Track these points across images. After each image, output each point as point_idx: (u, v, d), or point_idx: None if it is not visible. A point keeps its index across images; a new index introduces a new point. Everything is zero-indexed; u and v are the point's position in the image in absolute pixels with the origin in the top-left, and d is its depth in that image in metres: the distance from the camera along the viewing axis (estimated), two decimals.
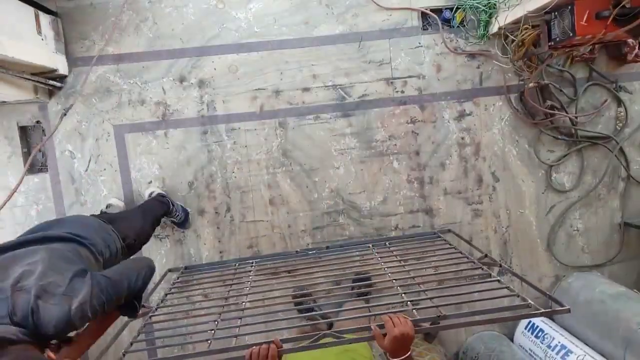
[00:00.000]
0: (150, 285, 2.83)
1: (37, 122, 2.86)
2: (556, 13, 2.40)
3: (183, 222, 2.88)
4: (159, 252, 2.94)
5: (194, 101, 2.91)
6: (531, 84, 2.92)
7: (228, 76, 2.92)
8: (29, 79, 2.53)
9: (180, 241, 2.95)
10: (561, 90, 3.03)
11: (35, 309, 1.31)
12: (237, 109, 2.93)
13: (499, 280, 2.08)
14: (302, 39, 2.93)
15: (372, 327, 1.63)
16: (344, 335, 1.68)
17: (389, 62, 2.98)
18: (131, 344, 1.86)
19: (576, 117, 3.04)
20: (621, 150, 3.12)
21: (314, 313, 2.44)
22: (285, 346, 1.67)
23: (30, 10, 2.51)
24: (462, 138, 3.04)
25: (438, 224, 3.06)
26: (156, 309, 2.23)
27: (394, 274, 2.26)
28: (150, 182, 2.89)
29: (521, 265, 3.13)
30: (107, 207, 2.78)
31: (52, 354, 1.38)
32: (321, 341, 1.67)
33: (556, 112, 2.95)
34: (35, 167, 2.91)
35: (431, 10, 2.96)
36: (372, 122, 2.99)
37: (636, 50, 2.91)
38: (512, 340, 3.05)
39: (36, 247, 1.56)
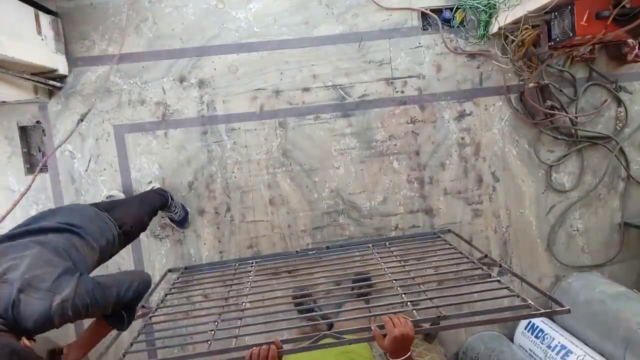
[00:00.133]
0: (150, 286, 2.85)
1: (37, 122, 2.86)
2: (556, 13, 2.40)
3: (182, 221, 2.87)
4: (159, 252, 2.94)
5: (194, 101, 2.91)
6: (531, 84, 2.92)
7: (228, 76, 2.92)
8: (29, 79, 2.52)
9: (180, 241, 2.95)
10: (561, 90, 3.03)
11: (16, 301, 1.31)
12: (237, 109, 2.93)
13: (499, 281, 2.08)
14: (302, 39, 2.93)
15: (372, 327, 1.63)
16: (344, 336, 1.68)
17: (389, 62, 2.98)
18: (131, 344, 1.87)
19: (576, 117, 3.04)
20: (621, 150, 3.12)
21: (314, 314, 2.44)
22: (286, 347, 1.67)
23: (30, 10, 2.51)
24: (462, 138, 3.04)
25: (438, 224, 3.06)
26: (156, 310, 2.23)
27: (394, 274, 2.26)
28: (150, 182, 2.89)
29: (521, 265, 3.13)
30: (107, 199, 2.78)
31: (27, 342, 1.38)
32: (321, 342, 1.67)
33: (556, 112, 2.95)
34: (35, 167, 2.91)
35: (431, 10, 2.96)
36: (372, 122, 2.99)
37: (636, 50, 2.91)
38: (512, 340, 3.05)
39: (28, 239, 1.56)
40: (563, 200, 3.13)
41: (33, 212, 2.86)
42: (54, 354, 1.75)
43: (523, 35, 2.75)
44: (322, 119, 2.97)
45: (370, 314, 2.02)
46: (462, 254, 2.48)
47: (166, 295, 2.44)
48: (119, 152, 2.90)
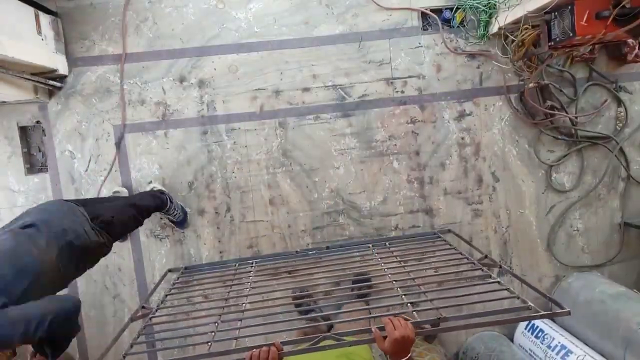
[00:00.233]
0: (150, 286, 2.86)
1: (37, 122, 2.86)
2: (556, 13, 2.40)
3: (181, 222, 2.88)
4: (159, 252, 2.94)
5: (194, 101, 2.91)
6: (531, 84, 2.92)
7: (228, 76, 2.92)
8: (29, 79, 2.52)
9: (180, 241, 2.95)
10: (561, 90, 3.02)
11: None
12: (237, 109, 2.93)
13: (499, 282, 2.08)
14: (302, 39, 2.93)
15: (372, 329, 1.63)
16: (344, 338, 1.68)
17: (389, 62, 2.97)
18: (131, 345, 1.86)
19: (576, 117, 3.03)
20: (621, 150, 3.12)
21: (315, 315, 2.44)
22: (286, 348, 1.67)
23: (30, 10, 2.51)
24: (462, 138, 3.04)
25: (438, 224, 3.07)
26: (156, 310, 2.23)
27: (394, 275, 2.26)
28: (150, 182, 2.89)
29: (521, 265, 3.13)
30: (113, 194, 2.81)
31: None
32: (322, 344, 1.67)
33: (556, 112, 2.95)
34: (35, 167, 2.91)
35: (431, 10, 2.95)
36: (372, 122, 2.99)
37: (636, 50, 2.91)
38: (512, 340, 3.05)
39: None
40: (563, 200, 3.13)
41: None
42: None
43: (523, 35, 2.75)
44: (322, 119, 2.97)
45: (371, 315, 2.02)
46: (462, 254, 2.48)
47: (166, 295, 2.43)
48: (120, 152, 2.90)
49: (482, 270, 2.25)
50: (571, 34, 2.29)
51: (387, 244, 2.84)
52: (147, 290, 2.90)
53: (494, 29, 2.87)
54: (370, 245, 2.84)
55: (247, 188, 2.97)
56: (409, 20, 2.97)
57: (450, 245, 2.68)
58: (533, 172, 3.09)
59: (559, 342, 2.71)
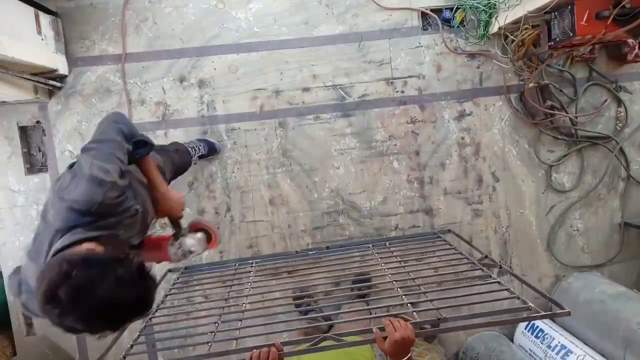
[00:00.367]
0: None
1: (37, 122, 2.86)
2: (556, 13, 2.40)
3: (209, 153, 2.85)
4: None
5: (194, 101, 2.91)
6: (531, 84, 2.92)
7: (228, 76, 2.92)
8: (29, 79, 2.52)
9: None
10: (561, 90, 3.03)
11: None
12: (237, 109, 2.93)
13: (499, 282, 2.08)
14: (302, 39, 2.93)
15: (374, 329, 1.63)
16: (344, 338, 1.68)
17: (389, 62, 2.97)
18: (131, 346, 1.86)
19: (576, 117, 3.04)
20: (621, 150, 3.12)
21: (316, 315, 2.44)
22: (286, 349, 1.67)
23: (30, 10, 2.51)
24: (462, 138, 3.04)
25: (438, 224, 3.07)
26: (156, 310, 2.22)
27: (393, 275, 2.25)
28: None
29: (521, 265, 3.13)
30: None
31: (91, 245, 1.24)
32: (322, 344, 1.67)
33: (556, 112, 2.95)
34: (35, 167, 2.91)
35: (431, 10, 2.95)
36: (372, 122, 2.99)
37: (636, 50, 2.91)
38: (512, 340, 3.06)
39: None
40: (563, 200, 3.13)
41: (33, 212, 2.87)
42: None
43: (523, 35, 2.75)
44: (322, 119, 2.97)
45: (372, 315, 2.02)
46: (462, 254, 2.48)
47: (166, 295, 2.43)
48: None
49: (482, 270, 2.25)
50: (571, 34, 2.29)
51: (387, 244, 2.83)
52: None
53: (494, 29, 2.87)
54: (370, 245, 2.83)
55: (247, 188, 2.97)
56: (409, 20, 2.97)
57: (450, 245, 2.68)
58: (533, 172, 3.09)
59: (559, 342, 2.71)
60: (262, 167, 2.96)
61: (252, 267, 2.73)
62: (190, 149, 2.62)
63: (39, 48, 2.55)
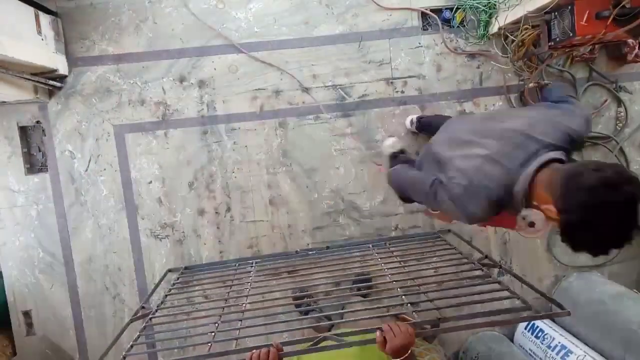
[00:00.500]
0: (150, 286, 2.86)
1: (37, 122, 2.86)
2: (556, 13, 2.40)
3: None
4: (159, 252, 2.94)
5: (194, 101, 2.91)
6: (531, 84, 2.92)
7: (228, 76, 2.92)
8: (29, 79, 2.53)
9: (180, 241, 2.95)
10: None
11: None
12: (237, 109, 2.93)
13: (499, 282, 2.08)
14: (302, 39, 2.93)
15: (377, 334, 1.63)
16: (344, 338, 1.68)
17: (389, 62, 2.97)
18: (131, 346, 1.86)
19: None
20: (621, 150, 3.11)
21: (319, 315, 2.44)
22: (286, 349, 1.66)
23: (30, 10, 2.51)
24: None
25: (438, 224, 3.06)
26: (156, 310, 2.22)
27: (394, 275, 2.26)
28: (150, 182, 2.89)
29: (521, 266, 3.13)
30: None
31: None
32: (322, 344, 1.67)
33: None
34: (35, 167, 2.91)
35: (431, 10, 2.95)
36: (372, 122, 2.99)
37: (636, 50, 2.91)
38: (512, 340, 3.05)
39: None
40: None
41: (33, 213, 2.87)
42: None
43: (523, 35, 2.75)
44: (322, 119, 2.97)
45: (372, 316, 2.01)
46: (462, 254, 2.48)
47: (166, 295, 2.43)
48: (119, 152, 2.90)
49: (482, 270, 2.25)
50: (571, 34, 2.29)
51: (387, 244, 2.83)
52: (147, 290, 2.89)
53: (494, 29, 2.87)
54: (371, 246, 2.84)
55: (247, 188, 2.97)
56: (409, 20, 2.97)
57: (450, 245, 2.68)
58: None
59: (559, 342, 2.71)
60: (262, 167, 2.96)
61: (252, 267, 2.73)
62: None
63: (39, 48, 2.55)
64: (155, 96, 2.89)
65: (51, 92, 2.83)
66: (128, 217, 2.92)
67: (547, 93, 2.23)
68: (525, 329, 2.97)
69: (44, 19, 2.62)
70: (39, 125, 2.87)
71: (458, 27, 2.97)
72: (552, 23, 2.46)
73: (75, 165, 2.88)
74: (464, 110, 3.01)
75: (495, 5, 2.83)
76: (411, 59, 2.98)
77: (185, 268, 2.87)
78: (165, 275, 2.81)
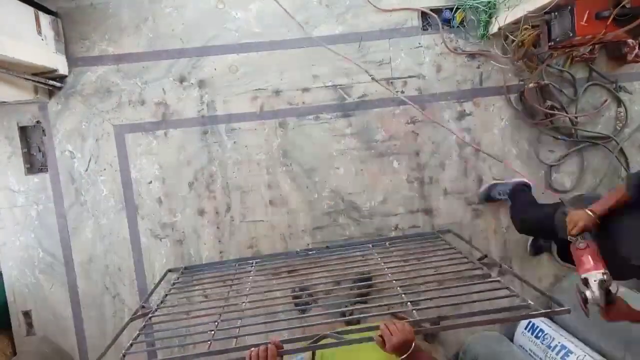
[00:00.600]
0: (150, 286, 2.86)
1: (37, 122, 2.86)
2: (556, 13, 2.40)
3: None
4: (159, 252, 2.94)
5: (194, 101, 2.91)
6: (531, 84, 2.92)
7: (228, 76, 2.92)
8: (29, 79, 2.53)
9: (180, 241, 2.95)
10: (561, 91, 3.02)
11: None
12: (237, 109, 2.93)
13: (499, 281, 2.08)
14: (302, 39, 2.93)
15: (374, 337, 1.62)
16: (344, 337, 1.68)
17: (388, 62, 2.97)
18: (131, 345, 1.86)
19: (576, 117, 3.03)
20: (621, 150, 3.11)
21: (343, 309, 2.42)
22: (286, 347, 1.66)
23: (30, 10, 2.51)
24: (462, 138, 3.03)
25: (438, 224, 3.06)
26: (156, 310, 2.23)
27: (394, 274, 2.26)
28: (150, 182, 2.90)
29: (521, 265, 3.12)
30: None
31: None
32: (321, 342, 1.67)
33: (556, 112, 2.95)
34: (35, 167, 2.91)
35: (431, 10, 2.95)
36: (372, 122, 2.99)
37: (636, 50, 2.91)
38: (512, 340, 3.05)
39: None
40: None
41: (33, 213, 2.87)
42: None
43: (523, 35, 2.75)
44: (322, 119, 2.97)
45: (372, 314, 2.02)
46: (461, 254, 2.48)
47: (166, 295, 2.43)
48: (119, 152, 2.90)
49: (482, 269, 2.25)
50: (571, 34, 2.29)
51: (387, 244, 2.84)
52: (147, 290, 2.89)
53: (494, 29, 2.87)
54: (371, 245, 2.84)
55: (247, 188, 2.97)
56: (409, 20, 2.97)
57: (450, 245, 2.68)
58: (533, 172, 3.08)
59: (559, 342, 2.70)
60: (262, 167, 2.97)
61: (252, 267, 2.73)
62: None
63: (39, 48, 2.55)
64: (155, 96, 2.89)
65: (51, 92, 2.83)
66: (128, 217, 2.92)
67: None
68: (525, 329, 2.97)
69: (44, 19, 2.63)
70: (39, 125, 2.87)
71: (458, 27, 2.97)
72: (552, 23, 2.46)
73: (75, 165, 2.88)
74: (464, 110, 3.01)
75: (495, 5, 2.83)
76: (411, 59, 2.98)
77: (185, 268, 2.87)
78: (165, 275, 2.81)
